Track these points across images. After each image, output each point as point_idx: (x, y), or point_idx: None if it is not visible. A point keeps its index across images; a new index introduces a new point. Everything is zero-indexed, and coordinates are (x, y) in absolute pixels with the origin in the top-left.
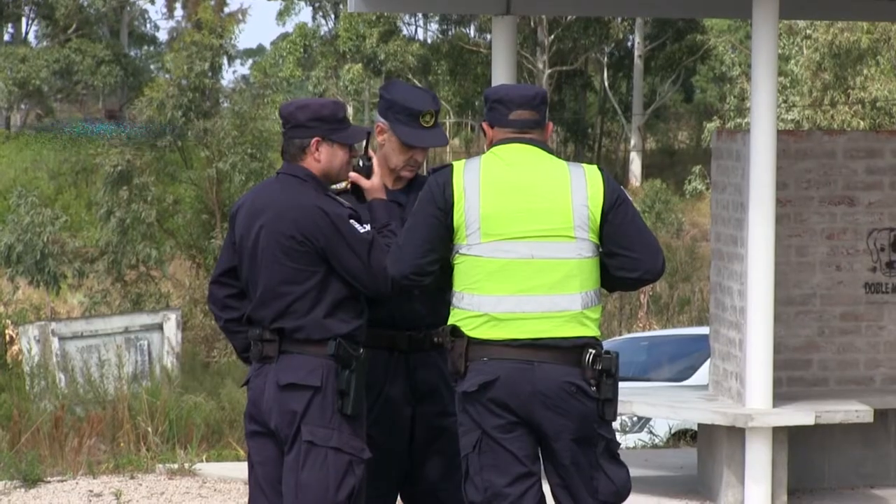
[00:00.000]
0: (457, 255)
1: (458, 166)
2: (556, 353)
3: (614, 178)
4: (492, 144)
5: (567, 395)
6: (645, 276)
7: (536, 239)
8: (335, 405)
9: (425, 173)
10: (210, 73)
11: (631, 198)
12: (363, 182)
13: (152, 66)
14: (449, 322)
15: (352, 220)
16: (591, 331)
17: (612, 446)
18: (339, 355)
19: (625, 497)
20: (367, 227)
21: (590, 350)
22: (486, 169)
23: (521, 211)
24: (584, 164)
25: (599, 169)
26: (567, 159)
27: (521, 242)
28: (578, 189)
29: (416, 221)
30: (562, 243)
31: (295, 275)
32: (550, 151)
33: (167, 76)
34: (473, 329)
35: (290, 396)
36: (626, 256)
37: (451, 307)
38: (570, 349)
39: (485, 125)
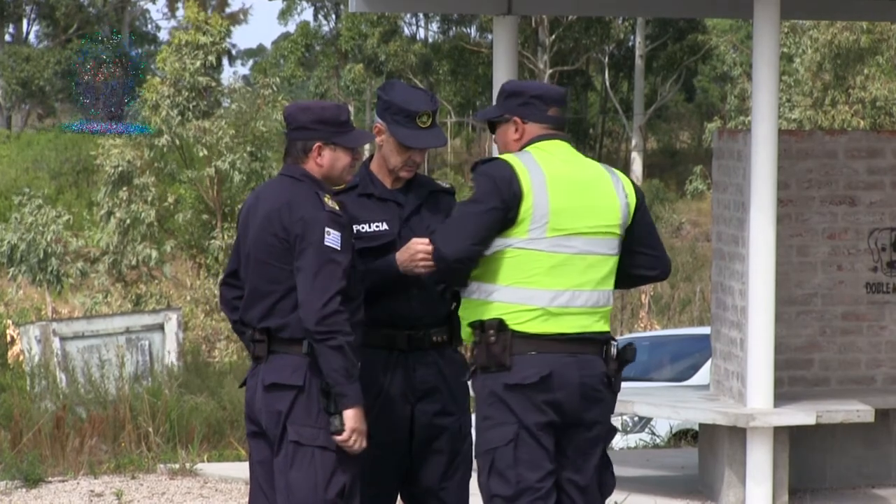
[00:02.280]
0: (508, 249)
1: (515, 160)
2: (593, 346)
3: None
4: (523, 139)
5: (603, 386)
6: (661, 274)
7: (592, 235)
8: (319, 404)
9: (425, 172)
10: (205, 72)
11: None
12: None
13: (153, 66)
14: (486, 315)
15: (327, 228)
16: (609, 327)
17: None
18: (313, 353)
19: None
20: (371, 228)
21: (612, 343)
22: (543, 163)
23: (583, 207)
24: (607, 166)
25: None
26: None
27: (579, 238)
28: (619, 187)
29: (479, 209)
30: (609, 240)
31: (278, 273)
32: None
33: (160, 75)
34: (523, 323)
35: (275, 397)
36: (648, 255)
37: (485, 301)
38: (601, 343)
39: (516, 119)
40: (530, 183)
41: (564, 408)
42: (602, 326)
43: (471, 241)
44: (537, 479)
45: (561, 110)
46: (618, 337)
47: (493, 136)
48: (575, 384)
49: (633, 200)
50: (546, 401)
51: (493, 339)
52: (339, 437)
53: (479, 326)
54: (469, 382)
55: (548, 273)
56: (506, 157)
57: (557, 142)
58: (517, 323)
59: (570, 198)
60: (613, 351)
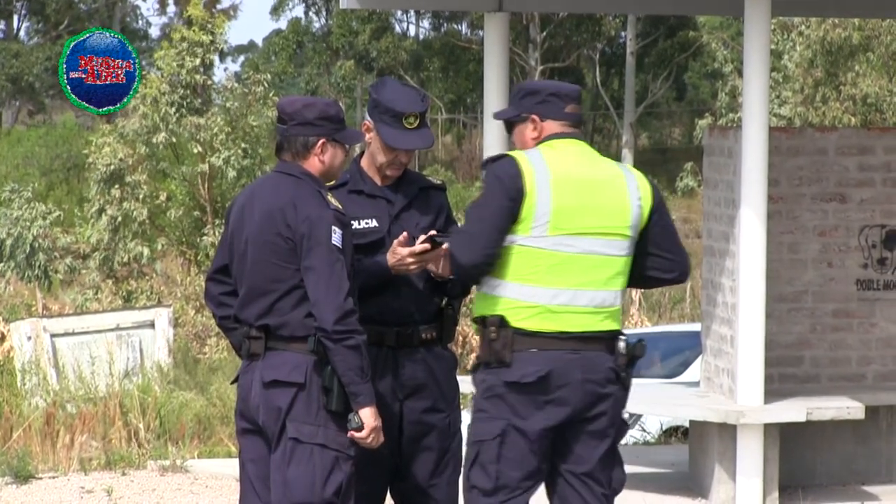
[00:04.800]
0: (513, 245)
1: (522, 157)
2: (598, 343)
3: None
4: (541, 137)
5: (607, 381)
6: (679, 277)
7: (597, 235)
8: (320, 402)
9: (417, 169)
10: (202, 70)
11: None
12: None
13: (144, 63)
14: (489, 311)
15: (333, 227)
16: (619, 325)
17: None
18: (319, 351)
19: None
20: (361, 224)
21: (621, 338)
22: (551, 162)
23: (588, 207)
24: (627, 165)
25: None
26: None
27: (583, 238)
28: (633, 188)
29: (487, 212)
30: (617, 241)
31: (279, 272)
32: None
33: (158, 72)
34: (523, 319)
35: (275, 394)
36: (663, 258)
37: (489, 295)
38: (608, 340)
39: (534, 117)
40: (534, 181)
41: (568, 405)
42: (609, 325)
43: (483, 247)
44: (519, 479)
45: (577, 107)
46: None
47: (511, 136)
48: (577, 381)
49: (647, 202)
50: (548, 400)
51: (494, 335)
52: (358, 435)
53: (482, 322)
54: (472, 376)
55: (549, 271)
56: (513, 153)
57: (572, 140)
58: (518, 319)
59: (574, 197)
60: (622, 346)
